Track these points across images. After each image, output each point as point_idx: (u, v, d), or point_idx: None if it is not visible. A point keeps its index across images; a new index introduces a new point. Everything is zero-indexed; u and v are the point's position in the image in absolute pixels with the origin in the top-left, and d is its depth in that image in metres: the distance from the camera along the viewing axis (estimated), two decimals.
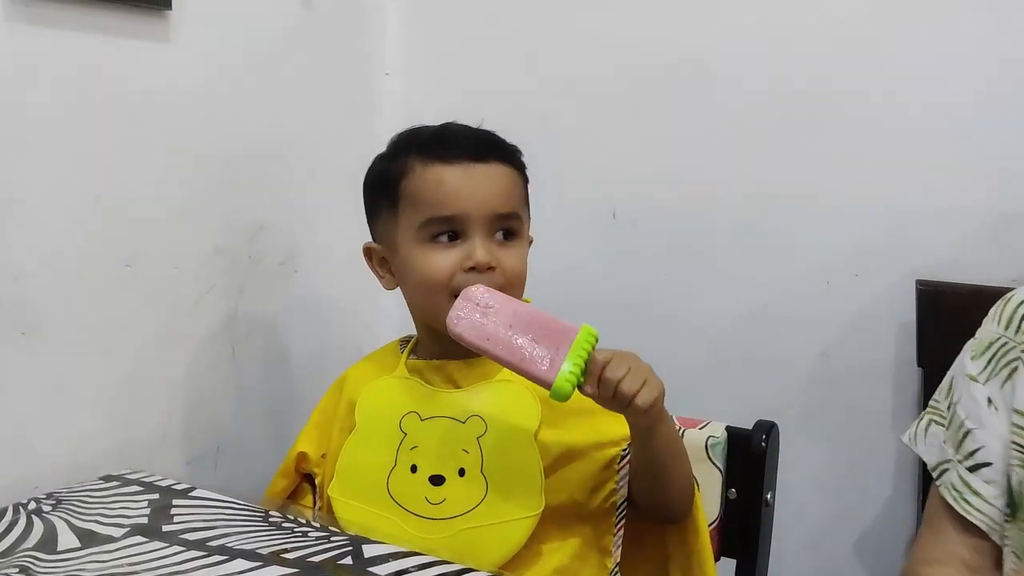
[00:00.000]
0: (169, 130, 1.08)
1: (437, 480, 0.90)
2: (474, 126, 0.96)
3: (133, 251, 1.06)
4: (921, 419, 0.86)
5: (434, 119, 0.98)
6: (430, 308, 0.92)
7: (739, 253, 1.26)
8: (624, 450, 0.90)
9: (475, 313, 0.81)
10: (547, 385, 0.78)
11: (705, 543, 0.90)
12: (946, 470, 0.81)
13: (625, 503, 0.90)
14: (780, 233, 1.24)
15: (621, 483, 0.90)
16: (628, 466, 0.90)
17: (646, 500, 0.90)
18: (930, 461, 0.83)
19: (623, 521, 0.91)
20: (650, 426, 0.82)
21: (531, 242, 0.96)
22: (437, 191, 0.90)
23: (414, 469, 0.91)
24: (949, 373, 0.85)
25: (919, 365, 1.16)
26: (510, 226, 0.93)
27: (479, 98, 1.38)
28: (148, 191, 1.07)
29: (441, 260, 0.90)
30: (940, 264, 1.15)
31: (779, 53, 1.21)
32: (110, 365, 1.05)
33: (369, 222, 0.99)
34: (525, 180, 0.96)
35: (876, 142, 1.18)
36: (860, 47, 1.17)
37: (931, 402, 0.86)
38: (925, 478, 1.17)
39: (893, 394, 1.21)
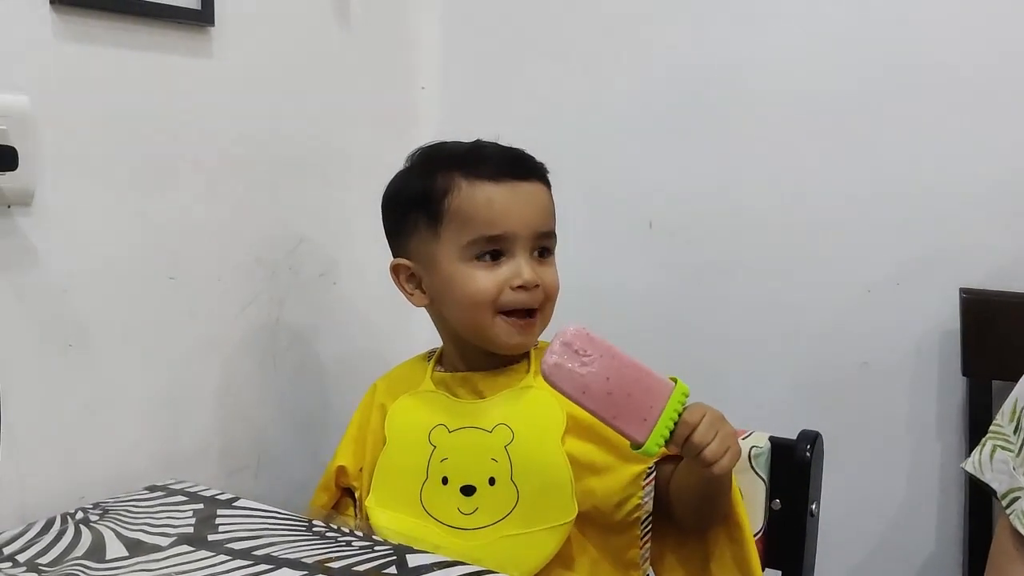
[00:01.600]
0: (211, 144, 1.10)
1: (468, 490, 0.91)
2: (502, 144, 0.96)
3: (177, 263, 1.07)
4: (983, 445, 0.83)
5: (470, 133, 0.99)
6: (474, 326, 0.93)
7: (778, 261, 1.25)
8: (650, 467, 0.89)
9: (574, 361, 0.79)
10: (636, 444, 0.79)
11: (748, 538, 0.89)
12: (1017, 498, 0.77)
13: (650, 517, 0.90)
14: (820, 240, 1.23)
15: (646, 499, 0.89)
16: (654, 482, 0.89)
17: (682, 514, 0.89)
18: (999, 489, 0.80)
19: (648, 535, 0.90)
20: (715, 479, 0.82)
21: None
22: (487, 210, 0.91)
23: (445, 481, 0.92)
24: (1012, 396, 0.81)
25: (964, 374, 1.15)
26: (548, 244, 0.95)
27: (514, 111, 1.40)
28: (191, 205, 1.08)
29: (487, 279, 0.91)
30: (983, 271, 1.14)
31: (817, 63, 1.20)
32: (154, 376, 1.06)
33: (396, 238, 0.98)
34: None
35: (917, 149, 1.16)
36: (897, 56, 1.16)
37: (993, 427, 0.83)
38: (972, 490, 1.16)
39: (937, 403, 1.19)
